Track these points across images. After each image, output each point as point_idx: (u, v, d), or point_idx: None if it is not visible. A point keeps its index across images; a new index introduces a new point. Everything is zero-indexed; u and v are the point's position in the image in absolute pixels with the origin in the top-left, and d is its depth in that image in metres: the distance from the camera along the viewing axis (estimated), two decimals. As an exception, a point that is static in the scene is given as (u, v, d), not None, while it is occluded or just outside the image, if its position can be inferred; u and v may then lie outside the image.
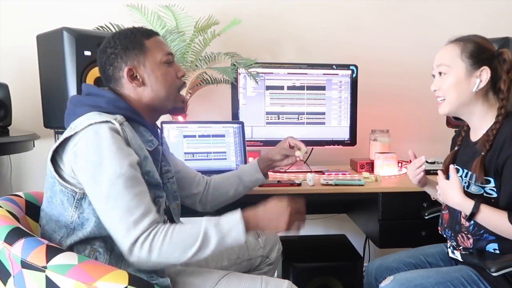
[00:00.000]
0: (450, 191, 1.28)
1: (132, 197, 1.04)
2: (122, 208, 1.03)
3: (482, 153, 1.28)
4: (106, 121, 1.08)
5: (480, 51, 1.29)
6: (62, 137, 1.11)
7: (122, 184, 1.04)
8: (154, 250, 1.03)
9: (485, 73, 1.28)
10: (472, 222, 1.29)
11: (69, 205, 1.09)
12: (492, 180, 1.27)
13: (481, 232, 1.29)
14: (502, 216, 1.21)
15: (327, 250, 2.11)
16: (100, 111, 1.13)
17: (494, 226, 1.24)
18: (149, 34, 1.21)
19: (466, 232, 1.33)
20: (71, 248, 1.10)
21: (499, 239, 1.27)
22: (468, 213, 1.23)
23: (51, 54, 1.70)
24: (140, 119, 1.20)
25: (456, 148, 1.45)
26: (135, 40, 1.18)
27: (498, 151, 1.25)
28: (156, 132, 1.28)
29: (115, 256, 1.11)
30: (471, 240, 1.32)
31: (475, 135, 1.37)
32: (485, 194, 1.29)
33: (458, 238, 1.36)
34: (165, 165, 1.29)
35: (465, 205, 1.25)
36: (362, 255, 2.14)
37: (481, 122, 1.33)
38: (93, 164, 1.04)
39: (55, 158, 1.12)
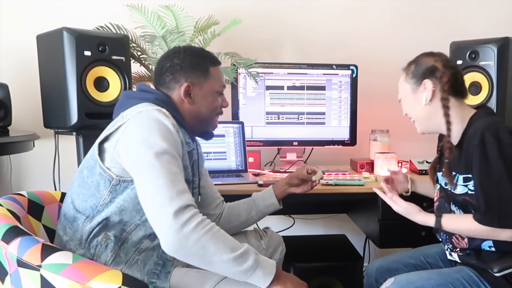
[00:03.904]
0: (412, 215, 1.39)
1: (175, 172, 1.06)
2: (165, 178, 1.03)
3: (446, 160, 1.35)
4: (158, 110, 1.13)
5: (418, 68, 1.38)
6: (114, 125, 1.16)
7: (167, 159, 1.05)
8: (199, 230, 1.01)
9: (428, 85, 1.34)
10: None
11: (105, 188, 1.13)
12: (471, 176, 1.29)
13: None
14: (466, 218, 1.27)
15: (327, 250, 2.11)
16: (151, 103, 1.18)
17: (462, 231, 1.31)
18: (215, 62, 1.31)
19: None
20: (91, 231, 1.13)
21: None
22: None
23: (51, 54, 1.70)
24: (183, 122, 1.24)
25: (437, 155, 1.49)
26: (203, 63, 1.27)
27: (466, 149, 1.28)
28: (194, 139, 1.31)
29: (124, 250, 1.14)
30: (465, 240, 1.33)
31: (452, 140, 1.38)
32: (469, 192, 1.30)
33: (453, 240, 1.37)
34: (194, 174, 1.31)
35: (430, 222, 1.35)
36: (362, 255, 2.14)
37: (443, 129, 1.36)
38: (141, 138, 1.07)
39: (100, 143, 1.16)
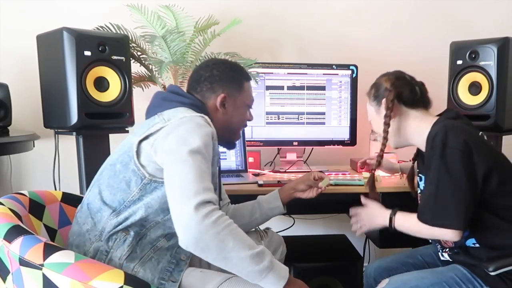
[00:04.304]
0: (374, 219, 1.45)
1: (205, 171, 1.09)
2: (195, 174, 1.06)
3: (372, 170, 1.55)
4: (201, 116, 1.19)
5: (376, 91, 1.46)
6: (154, 125, 1.18)
7: (200, 158, 1.09)
8: (219, 224, 1.02)
9: (387, 100, 1.41)
10: None
11: (135, 185, 1.16)
12: None
13: None
14: (413, 217, 1.32)
15: (327, 250, 2.11)
16: (189, 108, 1.23)
17: (410, 230, 1.35)
18: (249, 78, 1.40)
19: None
20: (115, 225, 1.15)
21: (473, 232, 1.32)
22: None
23: (51, 54, 1.70)
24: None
25: (412, 161, 1.56)
26: (239, 78, 1.36)
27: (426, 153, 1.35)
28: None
29: (140, 246, 1.16)
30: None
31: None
32: None
33: (441, 240, 1.40)
34: (214, 177, 1.33)
35: (386, 224, 1.40)
36: (362, 255, 2.14)
37: (415, 139, 1.43)
38: (180, 136, 1.11)
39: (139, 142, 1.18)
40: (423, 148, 1.38)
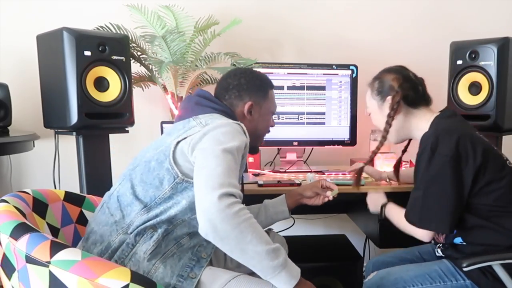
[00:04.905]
0: (371, 205, 1.58)
1: (233, 169, 1.12)
2: (224, 168, 1.09)
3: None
4: (239, 124, 1.23)
5: (381, 86, 1.46)
6: (191, 128, 1.22)
7: (231, 157, 1.13)
8: (240, 216, 1.04)
9: (392, 101, 1.43)
10: None
11: (168, 184, 1.19)
12: None
13: None
14: (401, 213, 1.40)
15: (327, 250, 2.11)
16: (224, 115, 1.29)
17: (397, 224, 1.43)
18: (273, 87, 1.46)
19: None
20: (145, 221, 1.17)
21: (459, 232, 1.37)
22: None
23: (51, 54, 1.70)
24: None
25: (402, 152, 1.62)
26: (265, 86, 1.42)
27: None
28: None
29: (166, 241, 1.19)
30: (443, 236, 1.45)
31: None
32: None
33: (434, 235, 1.42)
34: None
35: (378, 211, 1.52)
36: (362, 255, 2.14)
37: (415, 135, 1.45)
38: (216, 137, 1.16)
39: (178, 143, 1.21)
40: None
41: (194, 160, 1.16)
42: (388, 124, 1.43)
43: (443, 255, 1.46)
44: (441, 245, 1.47)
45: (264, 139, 1.89)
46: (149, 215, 1.18)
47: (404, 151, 1.60)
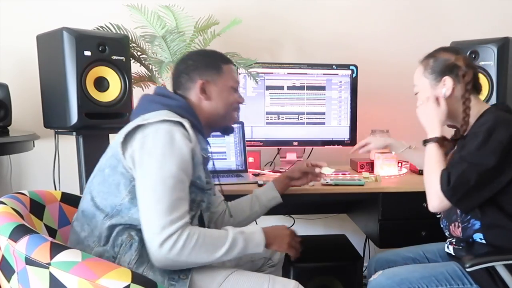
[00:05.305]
0: (433, 119, 1.37)
1: (176, 199, 1.11)
2: (165, 205, 1.09)
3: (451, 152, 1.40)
4: (179, 122, 1.18)
5: (439, 64, 1.38)
6: (133, 124, 1.18)
7: (172, 184, 1.11)
8: (186, 249, 1.09)
9: (448, 82, 1.36)
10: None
11: (124, 188, 1.16)
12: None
13: (468, 217, 1.33)
14: (441, 165, 1.28)
15: (327, 250, 2.11)
16: (171, 111, 1.22)
17: (428, 165, 1.31)
18: (227, 61, 1.39)
19: (458, 220, 1.37)
20: (111, 228, 1.16)
21: (484, 228, 1.30)
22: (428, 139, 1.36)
23: (51, 54, 1.70)
24: (200, 128, 1.30)
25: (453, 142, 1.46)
26: (215, 61, 1.35)
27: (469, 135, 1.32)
28: (208, 144, 1.37)
29: (146, 249, 1.15)
30: (460, 229, 1.36)
31: None
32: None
33: (450, 227, 1.40)
34: (207, 176, 1.35)
35: (432, 133, 1.36)
36: (362, 255, 2.14)
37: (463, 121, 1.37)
38: (153, 158, 1.12)
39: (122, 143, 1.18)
40: (463, 131, 1.37)
41: (136, 173, 1.14)
42: (467, 107, 1.34)
43: (454, 254, 1.41)
44: (454, 242, 1.42)
45: (264, 139, 1.89)
46: (112, 221, 1.15)
47: (458, 138, 1.41)
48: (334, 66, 2.14)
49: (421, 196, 1.66)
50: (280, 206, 1.62)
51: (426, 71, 1.40)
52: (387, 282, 1.35)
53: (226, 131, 1.44)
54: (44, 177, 2.16)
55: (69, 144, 1.90)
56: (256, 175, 1.97)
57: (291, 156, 2.19)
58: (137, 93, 2.02)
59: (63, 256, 0.98)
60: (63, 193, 1.38)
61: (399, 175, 2.00)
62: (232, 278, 1.19)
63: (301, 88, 2.13)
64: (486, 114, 1.33)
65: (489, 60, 1.87)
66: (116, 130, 1.80)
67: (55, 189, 1.92)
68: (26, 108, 2.15)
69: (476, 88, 1.38)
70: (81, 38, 1.62)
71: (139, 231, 1.15)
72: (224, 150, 1.95)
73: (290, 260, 1.90)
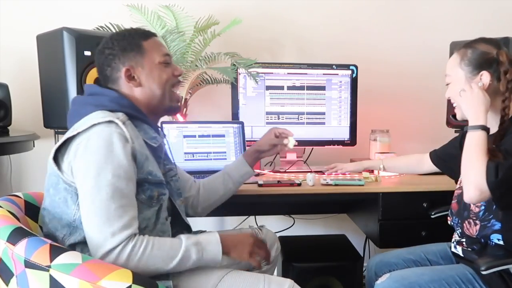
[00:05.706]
0: (478, 101, 1.25)
1: (116, 207, 1.06)
2: (104, 217, 1.04)
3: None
4: (110, 121, 1.10)
5: (478, 57, 1.31)
6: (64, 137, 1.13)
7: (109, 193, 1.05)
8: (131, 262, 1.05)
9: (485, 77, 1.29)
10: (482, 207, 1.29)
11: (73, 203, 1.10)
12: None
13: (490, 217, 1.28)
14: (486, 155, 1.18)
15: (327, 250, 2.11)
16: (104, 110, 1.14)
17: (473, 151, 1.20)
18: (147, 35, 1.24)
19: (474, 218, 1.32)
20: (73, 247, 1.10)
21: (504, 229, 1.26)
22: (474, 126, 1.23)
23: (51, 54, 1.70)
24: (143, 117, 1.22)
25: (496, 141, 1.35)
26: (133, 42, 1.21)
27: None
28: (159, 131, 1.29)
29: None
30: (477, 227, 1.31)
31: None
32: None
33: (464, 224, 1.35)
34: (167, 163, 1.31)
35: (478, 121, 1.23)
36: (362, 255, 2.14)
37: (490, 123, 1.28)
38: (88, 168, 1.07)
39: (57, 158, 1.13)
40: (492, 128, 1.28)
41: (76, 183, 1.09)
42: (506, 105, 1.26)
43: (462, 255, 1.37)
44: (464, 242, 1.37)
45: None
46: (74, 237, 1.10)
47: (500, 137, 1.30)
48: (334, 66, 2.14)
49: (421, 196, 1.67)
50: (280, 206, 1.61)
51: (462, 62, 1.32)
52: (396, 285, 1.31)
53: (172, 111, 1.32)
54: (44, 177, 2.14)
55: (69, 144, 1.90)
56: (256, 175, 1.97)
57: (291, 156, 2.19)
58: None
59: (63, 258, 0.98)
60: None
61: (399, 175, 1.99)
62: (227, 279, 1.18)
63: (301, 88, 2.13)
64: None
65: (489, 60, 1.86)
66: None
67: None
68: (26, 108, 2.15)
69: None
70: (81, 38, 1.62)
71: None
72: (224, 150, 1.95)
73: (290, 261, 1.91)
